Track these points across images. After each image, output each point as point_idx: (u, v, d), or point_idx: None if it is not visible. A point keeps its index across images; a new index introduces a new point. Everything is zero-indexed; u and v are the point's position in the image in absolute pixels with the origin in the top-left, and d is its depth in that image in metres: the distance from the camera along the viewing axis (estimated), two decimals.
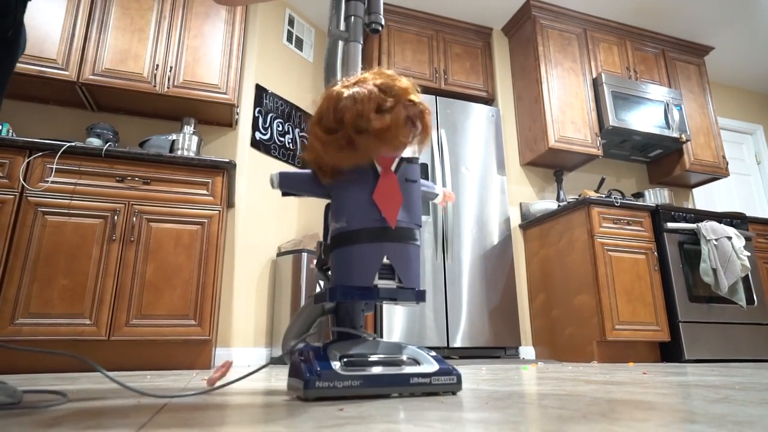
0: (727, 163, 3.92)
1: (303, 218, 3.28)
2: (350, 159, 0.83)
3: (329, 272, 0.92)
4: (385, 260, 0.84)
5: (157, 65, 2.60)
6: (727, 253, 2.87)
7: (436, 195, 1.06)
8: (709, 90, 4.08)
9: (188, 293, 2.12)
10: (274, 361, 0.85)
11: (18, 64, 2.39)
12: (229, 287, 2.74)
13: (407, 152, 0.90)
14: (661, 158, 3.93)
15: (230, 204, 2.80)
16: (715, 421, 0.56)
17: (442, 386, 0.84)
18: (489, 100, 3.73)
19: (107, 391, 1.00)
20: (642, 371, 1.70)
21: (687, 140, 3.65)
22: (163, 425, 0.55)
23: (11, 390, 0.77)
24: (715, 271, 2.85)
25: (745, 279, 2.97)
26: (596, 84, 3.59)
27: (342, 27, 1.13)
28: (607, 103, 3.47)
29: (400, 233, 0.85)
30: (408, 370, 0.82)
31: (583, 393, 0.91)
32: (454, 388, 0.85)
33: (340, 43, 1.12)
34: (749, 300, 2.94)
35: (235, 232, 2.84)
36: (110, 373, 0.83)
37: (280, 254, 2.91)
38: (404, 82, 0.87)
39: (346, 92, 0.84)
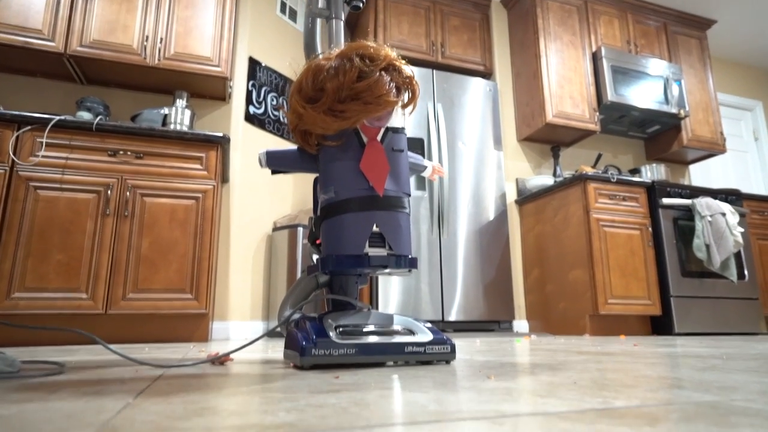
0: (725, 140, 3.91)
1: (298, 193, 3.27)
2: (331, 125, 0.82)
3: (321, 246, 0.92)
4: (375, 229, 0.84)
5: (147, 36, 2.54)
6: (720, 229, 2.89)
7: (425, 168, 1.06)
8: (709, 65, 4.04)
9: (184, 268, 2.13)
10: (270, 333, 0.85)
11: (2, 35, 2.33)
12: (225, 262, 2.75)
13: (394, 122, 0.89)
14: (659, 134, 3.92)
15: (225, 179, 2.79)
16: (702, 387, 0.58)
17: (436, 355, 0.85)
18: (486, 74, 3.68)
19: (105, 362, 1.02)
20: (633, 343, 1.74)
21: (685, 116, 3.63)
22: (161, 392, 0.55)
23: (10, 360, 0.78)
24: (708, 247, 2.87)
25: (737, 254, 3.00)
26: (596, 58, 3.54)
27: (322, 4, 1.11)
28: (606, 78, 3.43)
29: (389, 201, 0.86)
30: (403, 339, 0.83)
31: (574, 363, 0.92)
32: (448, 357, 0.86)
33: (319, 21, 1.11)
34: (740, 275, 2.98)
35: (230, 208, 2.83)
36: (109, 346, 0.84)
37: (275, 229, 2.92)
38: (387, 50, 0.87)
39: (328, 64, 0.84)
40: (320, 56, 0.89)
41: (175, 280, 2.10)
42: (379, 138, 0.88)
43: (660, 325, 2.88)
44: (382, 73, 0.84)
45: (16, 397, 0.52)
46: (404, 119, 0.92)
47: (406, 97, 0.89)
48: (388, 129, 0.89)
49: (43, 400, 0.49)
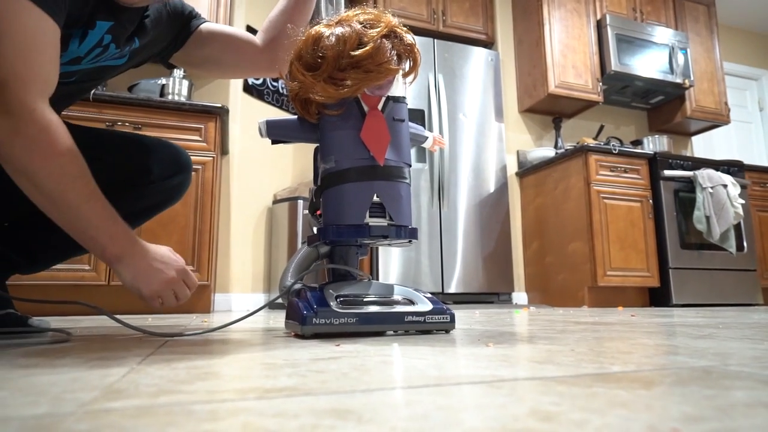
0: (729, 110, 3.86)
1: (298, 166, 3.25)
2: (332, 93, 0.81)
3: (321, 217, 0.92)
4: (375, 198, 0.84)
5: None
6: (721, 201, 2.88)
7: (426, 138, 1.04)
8: (716, 32, 3.94)
9: (185, 239, 2.14)
10: (272, 304, 0.86)
11: None
12: (226, 234, 2.76)
13: (394, 92, 0.88)
14: (663, 105, 3.86)
15: (224, 151, 2.77)
16: (697, 354, 0.58)
17: (436, 324, 0.86)
18: (488, 44, 3.60)
19: (109, 331, 1.03)
20: (630, 314, 1.76)
21: (690, 86, 3.57)
22: (164, 359, 0.56)
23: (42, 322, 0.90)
24: (708, 218, 2.88)
25: (737, 226, 3.00)
26: (600, 26, 3.46)
27: None
28: (611, 47, 3.36)
29: (390, 171, 0.85)
30: (402, 308, 0.84)
31: (572, 332, 0.94)
32: (447, 326, 0.87)
33: None
34: (739, 247, 2.99)
35: (230, 180, 2.82)
36: (113, 316, 0.85)
37: (275, 202, 2.91)
38: (389, 17, 0.86)
39: (328, 31, 0.83)
40: (320, 23, 0.87)
41: (177, 252, 2.11)
42: (379, 107, 0.87)
43: (658, 297, 2.92)
44: (383, 40, 0.82)
45: (23, 362, 0.53)
46: (405, 89, 0.91)
47: (407, 65, 0.88)
48: (389, 98, 0.88)
49: (50, 364, 0.50)
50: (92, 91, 2.10)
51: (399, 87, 0.89)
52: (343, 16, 0.86)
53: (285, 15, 1.03)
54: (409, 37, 0.87)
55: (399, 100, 0.89)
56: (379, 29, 0.82)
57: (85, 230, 0.77)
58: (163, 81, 2.46)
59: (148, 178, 1.00)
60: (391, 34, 0.84)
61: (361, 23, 0.83)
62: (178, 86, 2.47)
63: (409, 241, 0.89)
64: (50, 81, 0.75)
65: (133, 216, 1.03)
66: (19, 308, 0.98)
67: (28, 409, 0.31)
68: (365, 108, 0.85)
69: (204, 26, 1.05)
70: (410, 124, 0.94)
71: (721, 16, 4.37)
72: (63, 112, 1.01)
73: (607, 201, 2.84)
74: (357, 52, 0.80)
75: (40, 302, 0.86)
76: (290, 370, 0.47)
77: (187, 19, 1.03)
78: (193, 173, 2.20)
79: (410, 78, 0.89)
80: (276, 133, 0.91)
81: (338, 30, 0.82)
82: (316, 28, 0.85)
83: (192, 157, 2.27)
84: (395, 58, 0.83)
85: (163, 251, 0.84)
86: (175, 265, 0.84)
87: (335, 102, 0.84)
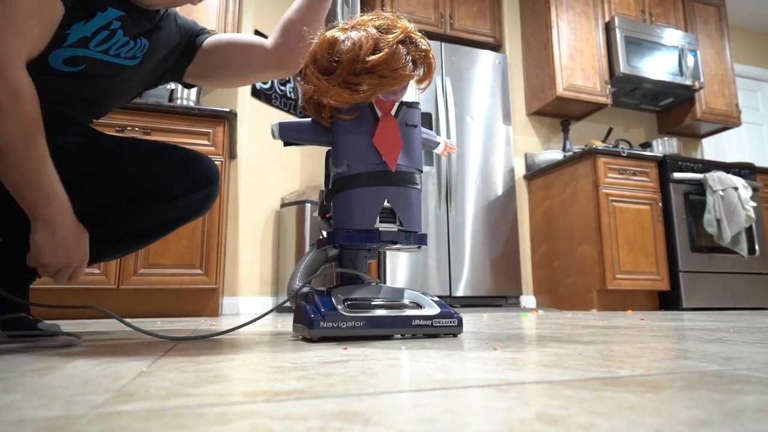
0: (740, 112, 3.82)
1: (306, 169, 3.26)
2: (346, 98, 0.81)
3: (331, 220, 0.92)
4: (386, 204, 0.84)
5: None
6: (732, 203, 2.85)
7: (437, 144, 1.04)
8: (727, 34, 3.91)
9: (194, 243, 2.15)
10: (280, 307, 0.87)
11: None
12: (234, 238, 2.78)
13: (407, 97, 0.88)
14: (672, 107, 3.83)
15: (232, 155, 2.79)
16: (706, 358, 0.58)
17: (444, 328, 0.86)
18: (496, 47, 3.60)
19: (119, 335, 1.04)
20: (639, 318, 1.74)
21: (700, 88, 3.54)
22: (174, 362, 0.57)
23: (52, 326, 0.90)
24: (719, 221, 2.84)
25: (749, 229, 2.97)
26: (608, 28, 3.44)
27: None
28: (619, 49, 3.34)
29: (401, 177, 0.85)
30: (410, 312, 0.84)
31: (580, 335, 0.93)
32: (455, 330, 0.87)
33: None
34: (751, 250, 2.95)
35: (238, 184, 2.84)
36: (123, 319, 0.86)
37: (283, 205, 2.93)
38: (405, 22, 0.85)
39: (343, 35, 0.83)
40: (336, 26, 0.87)
41: (186, 256, 2.13)
42: (393, 112, 0.87)
43: (668, 300, 2.89)
44: (399, 46, 0.82)
45: (35, 365, 0.54)
46: (418, 94, 0.91)
47: (421, 71, 0.87)
48: (402, 103, 0.88)
49: (61, 368, 0.51)
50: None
51: (412, 92, 0.89)
52: (358, 20, 0.86)
53: (299, 14, 1.03)
54: (424, 43, 0.86)
55: (412, 105, 0.89)
56: (395, 35, 0.82)
57: (24, 187, 0.78)
58: (172, 86, 2.48)
59: (170, 192, 1.00)
60: (406, 40, 0.83)
61: (376, 28, 0.83)
62: (186, 91, 2.49)
63: (419, 247, 0.89)
64: (33, 46, 0.78)
65: (157, 228, 1.03)
66: (30, 311, 1.00)
67: (41, 411, 0.32)
68: (378, 113, 0.85)
69: (212, 37, 1.09)
70: (422, 129, 0.94)
71: (731, 17, 4.33)
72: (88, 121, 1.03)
73: (616, 204, 2.82)
74: (372, 58, 0.79)
75: (51, 307, 0.87)
76: (298, 374, 0.47)
77: (197, 34, 1.08)
78: None
79: (424, 84, 0.89)
80: (289, 135, 0.91)
81: (353, 34, 0.82)
82: (331, 32, 0.85)
83: None
84: (410, 64, 0.83)
85: (82, 240, 0.84)
86: (81, 256, 0.84)
87: (349, 106, 0.84)
